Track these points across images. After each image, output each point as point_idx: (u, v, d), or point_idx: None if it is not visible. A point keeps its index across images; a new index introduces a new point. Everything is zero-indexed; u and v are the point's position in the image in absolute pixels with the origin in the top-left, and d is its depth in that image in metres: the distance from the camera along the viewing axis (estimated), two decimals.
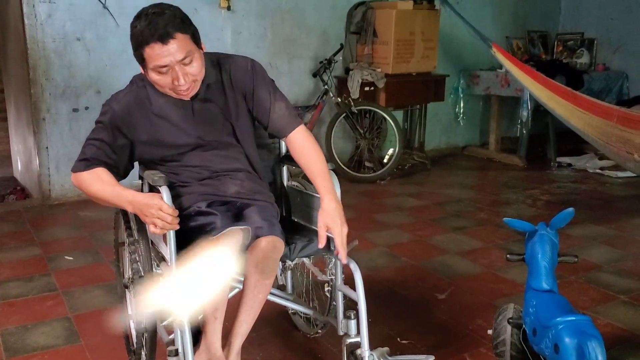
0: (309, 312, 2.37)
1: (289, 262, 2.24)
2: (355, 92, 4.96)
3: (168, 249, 1.84)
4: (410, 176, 5.23)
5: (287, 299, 2.41)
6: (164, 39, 1.74)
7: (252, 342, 2.47)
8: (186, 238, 1.85)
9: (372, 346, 2.00)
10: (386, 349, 2.04)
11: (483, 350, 2.40)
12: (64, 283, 3.02)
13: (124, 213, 2.10)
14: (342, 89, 5.13)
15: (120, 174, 1.96)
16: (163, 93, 1.90)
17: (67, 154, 4.32)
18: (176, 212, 1.79)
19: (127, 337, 2.29)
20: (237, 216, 1.93)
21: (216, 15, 4.68)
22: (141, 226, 1.98)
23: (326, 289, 2.27)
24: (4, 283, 3.03)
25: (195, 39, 1.84)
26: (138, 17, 1.78)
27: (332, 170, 2.08)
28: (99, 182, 1.87)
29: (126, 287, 2.23)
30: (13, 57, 4.71)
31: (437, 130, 6.08)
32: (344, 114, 4.93)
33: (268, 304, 2.45)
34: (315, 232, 2.13)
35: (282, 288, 2.56)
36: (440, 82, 5.40)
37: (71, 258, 3.34)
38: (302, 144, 2.02)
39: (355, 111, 4.93)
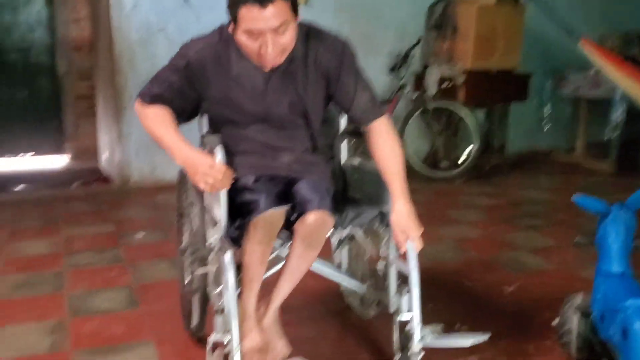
0: (363, 289, 2.30)
1: (339, 233, 2.18)
2: (432, 88, 4.85)
3: (219, 211, 1.84)
4: (488, 178, 5.02)
5: (341, 276, 2.35)
6: (263, 2, 1.65)
7: (305, 319, 2.44)
8: (232, 211, 1.85)
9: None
10: (440, 326, 1.94)
11: (549, 342, 2.24)
12: (131, 256, 3.11)
13: (183, 177, 2.14)
14: (419, 85, 5.03)
15: (184, 117, 1.95)
16: (242, 58, 1.84)
17: (146, 142, 4.45)
18: (229, 171, 1.78)
19: (183, 302, 2.32)
20: (285, 192, 1.88)
21: None
22: (198, 191, 2.00)
23: (379, 265, 2.19)
24: (77, 254, 3.16)
25: (294, 7, 1.74)
26: None
27: None
28: (160, 122, 1.86)
29: (182, 252, 2.26)
30: (102, 49, 4.96)
31: (520, 132, 5.81)
32: (420, 111, 4.83)
33: (323, 284, 2.42)
34: (369, 205, 2.08)
35: (337, 266, 2.51)
36: (523, 81, 5.17)
37: (141, 235, 3.44)
38: (382, 137, 1.94)
39: (431, 107, 4.81)
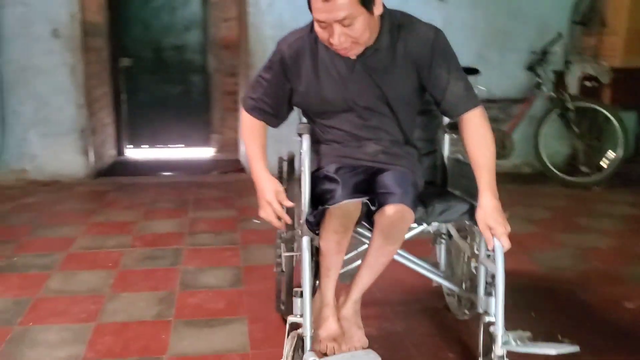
0: (455, 288, 2.21)
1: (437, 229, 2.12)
2: (573, 87, 4.52)
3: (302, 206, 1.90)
4: (636, 186, 4.57)
5: (435, 275, 2.28)
6: None
7: (398, 314, 2.42)
8: (313, 198, 1.89)
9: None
10: (527, 333, 1.81)
11: None
12: (245, 240, 3.27)
13: (280, 165, 2.22)
14: (560, 83, 4.71)
15: (279, 117, 2.03)
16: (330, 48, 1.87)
17: (274, 135, 4.65)
18: (283, 215, 1.90)
19: (275, 284, 2.39)
20: (368, 182, 1.88)
21: (427, 5, 4.64)
22: (290, 177, 2.08)
23: (472, 265, 2.10)
24: (198, 234, 3.39)
25: (365, 1, 1.73)
26: None
27: None
28: (250, 134, 2.04)
29: (278, 237, 2.34)
30: (243, 47, 5.25)
31: None
32: (558, 111, 4.52)
33: (424, 281, 2.37)
34: (459, 199, 2.01)
35: (435, 265, 2.44)
36: None
37: (258, 222, 3.58)
38: (474, 128, 1.87)
39: (571, 108, 4.48)
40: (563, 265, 2.94)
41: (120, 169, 6.53)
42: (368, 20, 1.75)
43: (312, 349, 1.77)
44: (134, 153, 7.75)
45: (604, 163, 4.63)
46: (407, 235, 2.16)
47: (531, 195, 4.28)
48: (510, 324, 1.82)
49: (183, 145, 7.24)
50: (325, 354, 1.82)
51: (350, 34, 1.74)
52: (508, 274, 2.59)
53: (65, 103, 4.47)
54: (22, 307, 2.44)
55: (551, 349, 1.75)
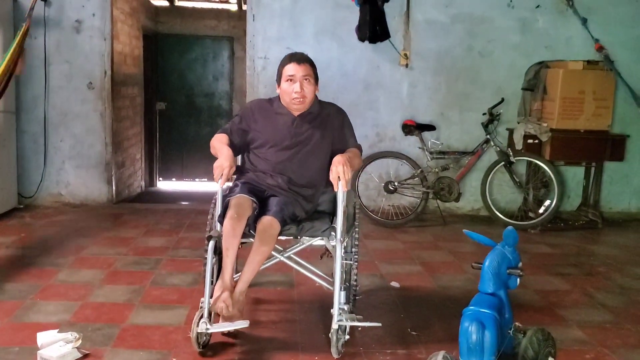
0: (331, 288, 3.02)
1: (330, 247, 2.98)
2: (518, 144, 5.28)
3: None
4: (572, 231, 5.25)
5: (320, 278, 3.09)
6: (298, 62, 2.88)
7: (303, 310, 3.22)
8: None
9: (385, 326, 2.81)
10: (359, 317, 2.64)
11: None
12: None
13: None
14: (511, 140, 5.48)
15: (237, 149, 2.96)
16: (281, 107, 2.94)
17: None
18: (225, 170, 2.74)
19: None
20: (260, 199, 2.80)
21: (395, 71, 5.53)
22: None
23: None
24: (179, 249, 4.32)
25: (315, 76, 2.93)
26: (287, 54, 2.96)
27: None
28: (219, 139, 2.93)
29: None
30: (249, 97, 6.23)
31: (626, 191, 5.86)
32: (502, 163, 5.28)
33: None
34: (325, 222, 2.86)
35: (330, 275, 3.26)
36: (619, 142, 5.34)
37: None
38: (351, 150, 2.99)
39: (514, 161, 5.23)
40: (453, 285, 3.70)
41: (148, 197, 7.58)
42: (314, 89, 2.89)
43: (208, 313, 2.62)
44: (163, 185, 8.85)
45: (541, 209, 5.34)
46: (299, 248, 3.03)
47: None
48: (380, 319, 2.87)
49: (207, 180, 8.28)
50: (217, 313, 2.66)
51: (305, 90, 2.84)
52: (406, 287, 3.48)
53: (94, 141, 5.55)
54: (35, 289, 3.39)
55: (360, 323, 2.57)
